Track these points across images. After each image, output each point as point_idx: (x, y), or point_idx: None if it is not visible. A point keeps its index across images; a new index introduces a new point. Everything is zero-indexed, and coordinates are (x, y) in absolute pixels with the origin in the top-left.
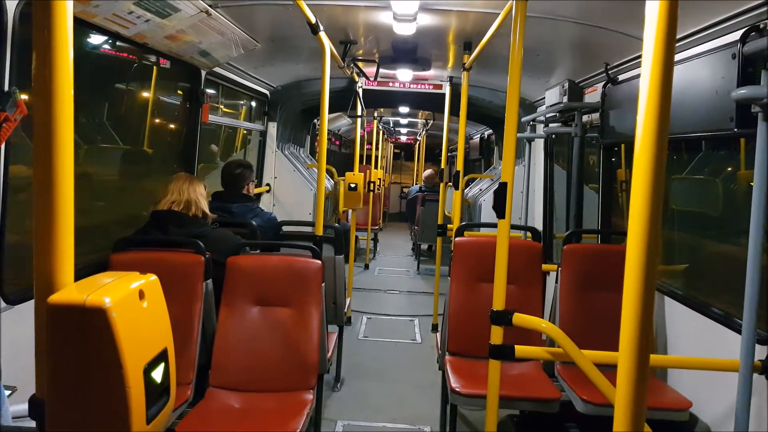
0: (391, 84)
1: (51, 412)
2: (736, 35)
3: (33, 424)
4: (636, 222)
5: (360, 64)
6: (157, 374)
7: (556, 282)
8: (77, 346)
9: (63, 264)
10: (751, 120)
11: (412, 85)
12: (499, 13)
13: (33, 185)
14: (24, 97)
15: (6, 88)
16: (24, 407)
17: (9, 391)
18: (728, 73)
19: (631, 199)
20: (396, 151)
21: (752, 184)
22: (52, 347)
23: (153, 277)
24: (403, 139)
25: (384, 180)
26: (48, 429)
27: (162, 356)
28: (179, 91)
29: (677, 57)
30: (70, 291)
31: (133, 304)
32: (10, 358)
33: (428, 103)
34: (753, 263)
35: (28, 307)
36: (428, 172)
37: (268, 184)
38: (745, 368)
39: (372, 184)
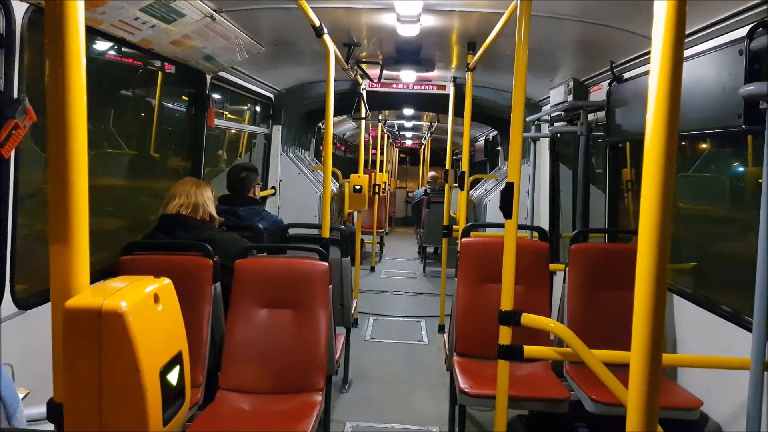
0: (394, 85)
1: (69, 415)
2: (743, 31)
3: (49, 427)
4: (647, 220)
5: (364, 66)
6: (173, 377)
7: (564, 282)
8: (94, 349)
9: (78, 269)
10: (758, 116)
11: (415, 87)
12: (503, 13)
13: (48, 191)
14: None
15: (15, 95)
16: (37, 410)
17: (22, 395)
18: (735, 69)
19: (642, 197)
20: (401, 156)
21: (760, 180)
22: (69, 351)
23: (167, 281)
24: (408, 143)
25: (389, 184)
26: None
27: (177, 359)
28: (184, 96)
29: (684, 54)
30: (86, 295)
31: (149, 307)
32: (23, 362)
33: (432, 104)
34: (763, 260)
35: (38, 312)
36: (432, 173)
37: (273, 187)
38: (756, 366)
39: (377, 187)
